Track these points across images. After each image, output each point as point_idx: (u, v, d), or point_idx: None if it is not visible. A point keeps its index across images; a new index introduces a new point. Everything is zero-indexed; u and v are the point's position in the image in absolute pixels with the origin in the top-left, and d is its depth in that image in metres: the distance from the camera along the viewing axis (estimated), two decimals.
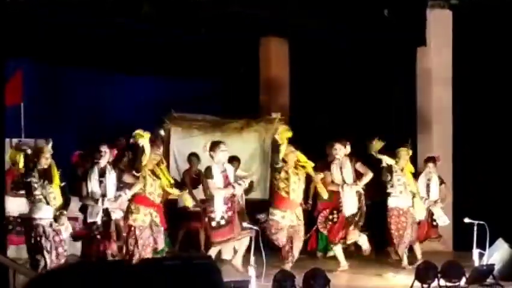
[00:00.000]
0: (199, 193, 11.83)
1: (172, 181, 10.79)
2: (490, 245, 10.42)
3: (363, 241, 11.62)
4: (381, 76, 15.02)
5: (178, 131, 13.33)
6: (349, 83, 15.34)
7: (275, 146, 11.39)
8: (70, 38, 13.58)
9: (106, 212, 9.94)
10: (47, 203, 9.63)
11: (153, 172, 10.38)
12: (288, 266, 10.74)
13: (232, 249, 11.14)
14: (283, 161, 11.04)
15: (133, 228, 10.23)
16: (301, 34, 14.60)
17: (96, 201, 9.86)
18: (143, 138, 10.12)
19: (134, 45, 14.42)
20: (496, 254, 10.39)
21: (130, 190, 10.13)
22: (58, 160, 10.03)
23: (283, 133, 11.09)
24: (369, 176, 11.46)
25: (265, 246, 9.73)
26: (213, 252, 10.74)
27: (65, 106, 14.11)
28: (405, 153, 11.73)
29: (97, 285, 5.93)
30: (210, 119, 13.78)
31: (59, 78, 14.20)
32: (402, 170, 11.69)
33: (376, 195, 12.12)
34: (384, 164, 11.68)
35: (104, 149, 9.99)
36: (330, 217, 11.49)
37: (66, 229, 9.77)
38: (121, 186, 10.11)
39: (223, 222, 10.62)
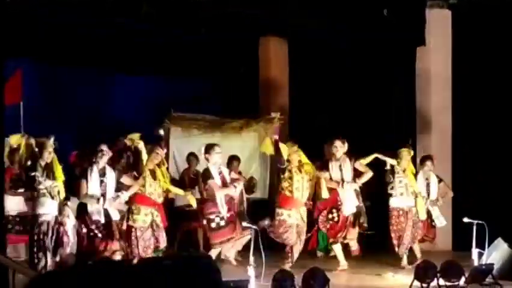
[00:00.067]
0: (195, 194, 11.82)
1: (168, 186, 10.76)
2: (489, 244, 10.42)
3: (353, 242, 11.62)
4: (381, 76, 15.03)
5: (177, 130, 13.34)
6: (349, 83, 15.36)
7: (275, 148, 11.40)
8: (69, 38, 13.60)
9: (106, 212, 9.95)
10: (51, 198, 9.61)
11: (153, 172, 10.40)
12: (287, 266, 10.74)
13: (230, 248, 11.17)
14: (287, 160, 11.05)
15: (133, 229, 10.24)
16: (301, 34, 14.62)
17: (97, 200, 9.86)
18: (137, 142, 10.18)
19: (134, 45, 14.44)
20: (495, 254, 10.38)
21: (128, 191, 10.14)
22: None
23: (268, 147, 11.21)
24: (369, 174, 11.50)
25: (264, 246, 9.71)
26: (213, 253, 10.76)
27: (65, 106, 14.13)
28: (406, 153, 11.72)
29: (97, 286, 5.96)
30: (210, 118, 13.79)
31: (59, 78, 14.22)
32: (404, 171, 11.67)
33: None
34: (388, 167, 11.65)
35: (105, 148, 10.00)
36: (330, 216, 11.48)
37: (70, 220, 9.74)
38: (118, 187, 10.13)
39: (222, 223, 10.64)
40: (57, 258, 9.61)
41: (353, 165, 11.46)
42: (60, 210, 9.66)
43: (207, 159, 10.87)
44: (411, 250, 11.88)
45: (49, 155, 9.68)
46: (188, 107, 13.91)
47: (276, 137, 11.89)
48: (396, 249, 11.65)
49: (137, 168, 10.23)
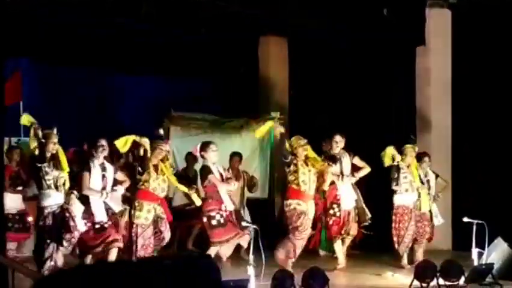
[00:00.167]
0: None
1: (174, 178, 10.77)
2: (489, 244, 10.41)
3: (339, 251, 11.64)
4: (381, 76, 15.03)
5: (177, 130, 13.35)
6: (349, 83, 15.37)
7: (281, 139, 11.38)
8: (69, 38, 13.61)
9: (106, 205, 9.97)
10: (56, 189, 9.60)
11: (156, 167, 10.39)
12: (290, 263, 10.72)
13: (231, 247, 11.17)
14: (293, 154, 11.04)
15: (135, 226, 10.22)
16: (301, 34, 14.63)
17: (100, 193, 9.88)
18: (144, 141, 10.20)
19: (134, 45, 14.45)
20: (495, 253, 10.37)
21: (122, 186, 10.19)
22: None
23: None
24: (367, 169, 11.62)
25: (264, 246, 9.71)
26: (212, 252, 10.75)
27: (65, 105, 14.13)
28: (411, 150, 11.76)
29: (97, 286, 5.96)
30: (209, 118, 13.80)
31: (59, 77, 14.23)
32: (408, 166, 11.71)
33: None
34: (395, 162, 11.68)
35: (105, 143, 10.01)
36: (331, 212, 11.50)
37: (77, 207, 9.73)
38: (114, 182, 10.17)
39: (222, 220, 10.65)
40: (65, 243, 9.57)
41: (352, 161, 11.57)
42: (67, 199, 9.63)
43: (203, 157, 10.86)
44: (411, 249, 11.88)
45: (54, 146, 9.63)
46: (188, 107, 13.92)
47: (283, 130, 11.85)
48: (396, 246, 11.66)
49: (142, 164, 10.22)
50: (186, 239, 12.66)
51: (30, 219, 11.86)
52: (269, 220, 13.57)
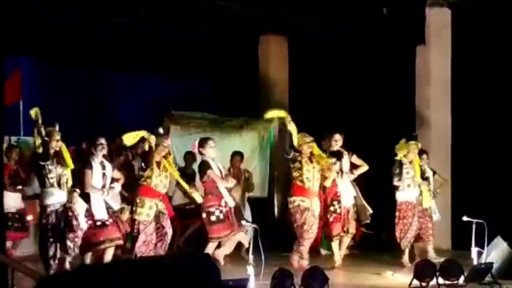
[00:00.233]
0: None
1: (178, 173, 10.78)
2: (489, 243, 10.42)
3: (336, 250, 11.65)
4: (381, 76, 15.04)
5: (177, 129, 13.36)
6: (349, 83, 15.37)
7: (283, 136, 11.37)
8: (69, 38, 13.62)
9: (106, 204, 9.98)
10: (59, 187, 9.59)
11: (159, 164, 10.38)
12: (305, 264, 10.69)
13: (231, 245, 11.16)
14: (298, 150, 11.04)
15: (136, 222, 10.24)
16: (301, 34, 14.64)
17: (101, 191, 9.89)
18: (151, 138, 10.22)
19: (134, 45, 14.46)
20: (494, 253, 10.35)
21: (118, 183, 10.21)
22: None
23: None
24: (365, 167, 11.69)
25: (264, 245, 9.72)
26: (210, 248, 10.75)
27: (65, 105, 14.12)
28: (414, 146, 11.79)
29: (97, 286, 5.98)
30: (209, 117, 13.82)
31: (59, 77, 14.21)
32: (410, 162, 11.73)
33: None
34: (397, 157, 11.71)
35: (104, 141, 10.02)
36: (332, 208, 11.51)
37: (80, 205, 9.72)
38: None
39: (222, 216, 10.65)
40: (68, 242, 9.57)
41: (350, 159, 11.64)
42: (69, 198, 9.61)
43: (201, 153, 10.87)
44: (412, 248, 11.89)
45: (57, 143, 9.64)
46: (188, 107, 13.93)
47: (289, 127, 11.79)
48: (399, 240, 11.67)
49: (145, 160, 10.23)
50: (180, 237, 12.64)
51: (29, 218, 11.90)
52: (269, 219, 13.60)
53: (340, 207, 11.51)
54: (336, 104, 15.18)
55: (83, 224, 9.73)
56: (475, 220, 10.51)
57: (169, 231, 10.46)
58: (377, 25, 13.67)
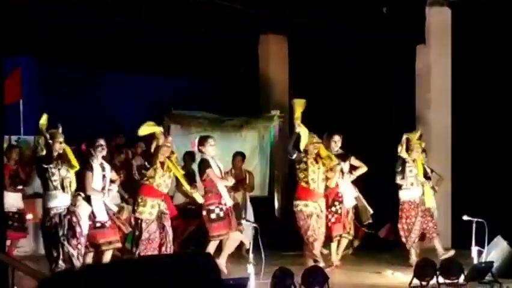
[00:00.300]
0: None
1: (183, 172, 10.76)
2: (489, 242, 10.42)
3: (334, 250, 11.64)
4: (381, 76, 15.04)
5: (177, 128, 13.37)
6: (349, 83, 15.38)
7: (285, 137, 11.31)
8: (69, 37, 13.63)
9: (106, 205, 9.97)
10: (63, 190, 9.55)
11: (162, 164, 10.36)
12: (322, 265, 10.62)
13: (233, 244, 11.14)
14: (304, 151, 11.03)
15: (139, 221, 10.22)
16: (301, 34, 14.65)
17: (101, 193, 9.87)
18: (159, 133, 10.21)
19: (134, 45, 14.46)
20: (494, 252, 10.37)
21: (114, 184, 10.19)
22: None
23: (298, 105, 11.08)
24: (364, 168, 11.69)
25: (264, 244, 9.72)
26: (211, 247, 10.73)
27: (65, 105, 14.10)
28: (418, 145, 11.77)
29: (97, 286, 5.98)
30: (210, 116, 13.82)
31: (59, 77, 14.21)
32: (414, 161, 11.72)
33: None
34: (400, 154, 11.70)
35: (104, 143, 9.98)
36: (334, 209, 11.51)
37: (84, 210, 9.69)
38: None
39: (222, 214, 10.64)
40: (71, 250, 9.53)
41: (349, 161, 11.63)
42: (73, 201, 9.57)
43: (201, 151, 10.85)
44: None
45: (60, 145, 9.56)
46: (188, 107, 13.94)
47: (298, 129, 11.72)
48: (404, 240, 11.66)
49: (149, 159, 10.21)
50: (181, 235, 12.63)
51: (29, 217, 11.90)
52: (269, 218, 13.60)
53: (341, 207, 11.51)
54: (336, 104, 15.18)
55: (85, 229, 9.67)
56: (475, 219, 10.50)
57: (170, 231, 10.43)
58: (377, 25, 13.66)
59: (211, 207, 10.64)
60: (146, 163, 10.25)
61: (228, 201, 10.72)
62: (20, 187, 11.67)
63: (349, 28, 13.87)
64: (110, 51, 14.37)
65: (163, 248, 10.28)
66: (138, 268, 6.43)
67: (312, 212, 10.94)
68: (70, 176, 9.58)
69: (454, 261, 10.00)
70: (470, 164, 14.17)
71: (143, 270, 6.29)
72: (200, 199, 10.72)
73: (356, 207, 11.82)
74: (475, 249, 10.45)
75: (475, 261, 10.37)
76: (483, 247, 10.43)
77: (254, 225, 9.66)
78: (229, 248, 10.96)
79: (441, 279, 9.61)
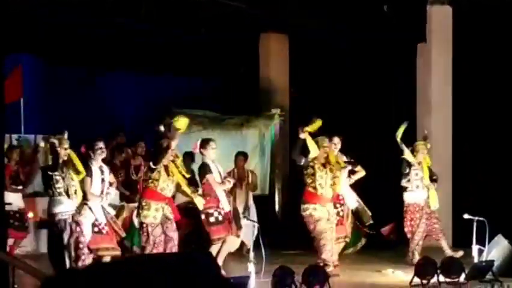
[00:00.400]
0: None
1: (188, 175, 10.73)
2: (490, 241, 10.42)
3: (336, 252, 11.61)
4: (381, 76, 15.04)
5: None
6: (349, 83, 15.38)
7: (296, 143, 11.21)
8: (69, 37, 13.63)
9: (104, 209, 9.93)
10: (68, 196, 9.50)
11: (166, 168, 10.31)
12: (332, 270, 10.53)
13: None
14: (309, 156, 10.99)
15: (144, 225, 10.16)
16: (301, 34, 14.66)
17: (100, 197, 9.82)
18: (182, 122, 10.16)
19: (134, 45, 14.46)
20: (495, 251, 10.37)
21: (112, 186, 10.13)
22: None
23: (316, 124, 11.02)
24: (362, 172, 11.57)
25: (264, 243, 9.72)
26: (213, 250, 10.71)
27: (65, 105, 14.13)
28: (423, 147, 11.74)
29: (97, 285, 5.99)
30: (210, 115, 13.83)
31: (59, 77, 14.21)
32: (419, 163, 11.68)
33: None
34: (405, 156, 11.67)
35: (102, 145, 9.93)
36: (335, 211, 11.48)
37: (88, 218, 9.65)
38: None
39: (220, 218, 10.60)
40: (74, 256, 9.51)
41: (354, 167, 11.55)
42: (79, 209, 9.50)
43: (202, 154, 10.82)
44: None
45: (65, 151, 9.52)
46: (188, 106, 13.88)
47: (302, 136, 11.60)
48: (410, 244, 11.65)
49: (155, 159, 10.14)
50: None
51: (30, 215, 11.90)
52: (270, 217, 13.59)
53: (343, 210, 11.46)
54: (336, 104, 15.17)
55: (88, 237, 9.64)
56: (476, 218, 10.50)
57: (175, 236, 10.34)
58: (377, 25, 13.66)
59: (210, 211, 10.57)
60: (151, 163, 10.17)
61: (225, 206, 10.63)
62: (19, 187, 11.67)
63: (349, 28, 13.87)
64: (110, 51, 14.37)
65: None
66: (140, 266, 6.43)
67: (321, 217, 10.86)
68: (75, 184, 9.51)
69: (454, 260, 10.01)
70: (470, 165, 14.17)
71: (145, 268, 6.30)
72: (201, 204, 10.61)
73: (356, 210, 11.77)
74: (475, 248, 10.46)
75: (476, 260, 10.38)
76: (484, 246, 10.43)
77: (255, 224, 9.65)
78: (224, 252, 10.90)
79: (442, 278, 9.62)
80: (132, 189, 11.78)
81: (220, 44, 15.01)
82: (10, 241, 11.32)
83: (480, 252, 10.47)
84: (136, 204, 10.89)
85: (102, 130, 12.02)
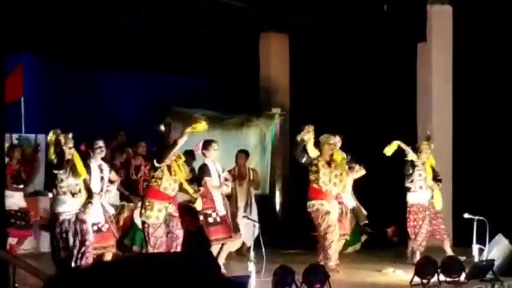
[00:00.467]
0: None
1: (190, 176, 10.72)
2: (490, 240, 10.42)
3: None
4: (381, 76, 15.04)
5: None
6: (349, 83, 15.38)
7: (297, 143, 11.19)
8: (69, 37, 13.63)
9: (103, 208, 9.92)
10: (72, 196, 9.48)
11: (169, 167, 10.28)
12: (333, 265, 10.63)
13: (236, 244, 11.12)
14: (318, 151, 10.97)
15: (146, 225, 10.14)
16: (301, 34, 14.66)
17: (99, 195, 9.81)
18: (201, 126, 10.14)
19: (134, 45, 14.46)
20: (495, 250, 10.39)
21: (113, 185, 10.14)
22: None
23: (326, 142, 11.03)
24: (361, 172, 11.53)
25: (265, 242, 9.73)
26: (214, 250, 10.70)
27: (65, 105, 14.12)
28: (427, 147, 11.73)
29: (97, 285, 5.99)
30: (211, 114, 13.75)
31: (59, 77, 14.21)
32: (423, 164, 11.67)
33: None
34: (408, 157, 11.65)
35: (102, 144, 9.92)
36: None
37: (92, 216, 9.63)
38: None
39: (218, 219, 10.60)
40: (81, 258, 9.48)
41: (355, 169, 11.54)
42: (83, 207, 9.46)
43: (204, 155, 10.82)
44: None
45: (70, 150, 9.45)
46: (188, 106, 13.89)
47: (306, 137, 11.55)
48: (412, 244, 11.65)
49: (159, 157, 10.12)
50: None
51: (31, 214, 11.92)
52: (270, 216, 13.59)
53: (342, 208, 11.47)
54: (337, 103, 15.18)
55: (91, 237, 9.63)
56: (476, 217, 10.51)
57: (180, 234, 10.31)
58: (377, 25, 13.66)
59: (208, 212, 10.57)
60: (155, 161, 10.15)
61: (221, 209, 10.65)
62: (21, 186, 11.67)
63: (349, 28, 13.87)
64: (110, 51, 14.36)
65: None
66: (141, 266, 6.45)
67: (328, 211, 10.86)
68: (79, 183, 9.45)
69: (455, 259, 10.01)
70: (470, 165, 14.17)
71: (146, 268, 6.31)
72: (199, 206, 10.63)
73: (352, 210, 11.77)
74: (476, 248, 10.47)
75: (476, 259, 10.39)
76: (484, 245, 10.43)
77: (255, 223, 9.65)
78: (224, 251, 10.88)
79: (442, 277, 9.63)
80: (132, 189, 11.77)
81: (220, 43, 15.01)
82: (14, 240, 11.37)
83: (480, 251, 10.48)
84: (136, 204, 10.89)
85: (102, 130, 12.00)
